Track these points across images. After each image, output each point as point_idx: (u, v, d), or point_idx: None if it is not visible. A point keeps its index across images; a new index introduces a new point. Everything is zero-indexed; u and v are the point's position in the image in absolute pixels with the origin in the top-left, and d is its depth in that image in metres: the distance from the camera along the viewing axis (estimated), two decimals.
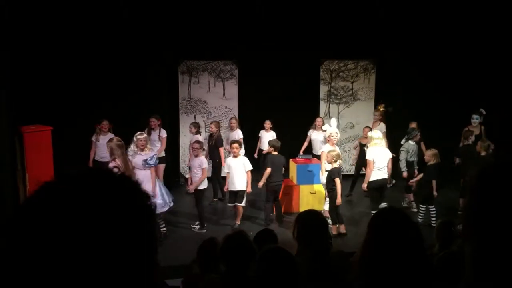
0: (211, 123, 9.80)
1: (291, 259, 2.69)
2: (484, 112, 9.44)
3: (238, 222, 8.36)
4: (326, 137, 9.00)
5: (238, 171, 8.18)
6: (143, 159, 7.48)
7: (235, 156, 8.28)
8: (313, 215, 3.78)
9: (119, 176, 0.93)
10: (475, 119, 9.39)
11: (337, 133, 8.81)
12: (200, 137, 9.44)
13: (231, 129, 10.09)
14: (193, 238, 7.57)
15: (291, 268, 2.64)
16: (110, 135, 8.67)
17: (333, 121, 9.41)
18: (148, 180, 7.33)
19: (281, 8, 10.18)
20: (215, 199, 9.80)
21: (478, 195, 1.11)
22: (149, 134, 9.24)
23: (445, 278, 3.29)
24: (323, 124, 10.03)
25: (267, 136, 9.93)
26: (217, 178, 9.61)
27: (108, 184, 0.90)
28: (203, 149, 8.77)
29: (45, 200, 0.86)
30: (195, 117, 10.96)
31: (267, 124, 10.24)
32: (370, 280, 1.92)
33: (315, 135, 10.13)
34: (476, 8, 9.82)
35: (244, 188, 8.21)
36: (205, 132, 10.71)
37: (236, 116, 11.02)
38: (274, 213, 8.68)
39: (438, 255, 3.92)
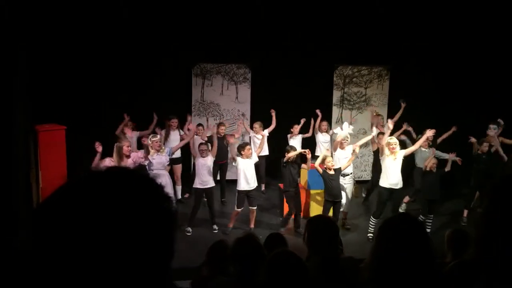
0: (220, 125, 9.75)
1: (301, 263, 2.68)
2: (502, 123, 9.11)
3: (252, 226, 8.43)
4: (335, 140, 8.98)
5: (251, 171, 8.27)
6: (167, 158, 8.02)
7: (247, 157, 8.28)
8: (323, 221, 3.76)
9: (143, 178, 0.93)
10: (492, 129, 9.02)
11: (347, 136, 8.73)
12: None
13: (256, 132, 10.05)
14: (203, 240, 7.59)
15: (301, 272, 2.63)
16: (135, 133, 9.19)
17: (345, 125, 9.32)
18: (167, 179, 7.82)
19: (296, 12, 10.17)
20: (224, 199, 9.85)
21: (499, 202, 1.08)
22: (167, 134, 9.37)
23: (456, 287, 3.25)
24: (328, 128, 10.17)
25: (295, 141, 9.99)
26: (222, 179, 9.66)
27: (131, 185, 0.89)
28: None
29: (67, 198, 0.86)
30: (207, 120, 11.00)
31: (295, 128, 10.17)
32: (379, 286, 1.90)
33: (321, 138, 10.21)
34: (491, 15, 9.73)
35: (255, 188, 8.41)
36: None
37: (249, 119, 11.05)
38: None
39: (450, 264, 3.87)
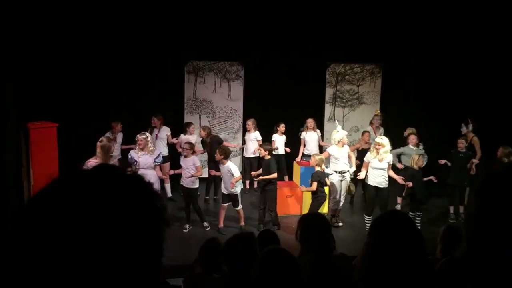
0: (201, 128, 9.81)
1: (293, 260, 2.68)
2: (469, 122, 9.29)
3: (242, 223, 8.41)
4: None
5: (226, 177, 8.18)
6: (154, 160, 7.88)
7: (222, 164, 8.21)
8: (316, 218, 3.78)
9: (132, 176, 0.92)
10: (462, 127, 9.32)
11: (334, 138, 8.62)
12: (192, 138, 9.46)
13: (248, 131, 10.10)
14: (196, 238, 7.59)
15: (293, 269, 2.63)
16: (120, 134, 9.19)
17: (337, 125, 9.28)
18: (155, 179, 7.67)
19: (289, 10, 10.17)
20: (207, 197, 9.86)
21: (493, 200, 1.08)
22: (151, 133, 9.35)
23: (447, 284, 3.28)
24: (315, 125, 10.11)
25: (280, 140, 9.93)
26: (213, 178, 9.61)
27: (120, 183, 0.89)
28: (194, 151, 8.52)
29: (55, 196, 0.85)
30: (200, 117, 10.98)
31: (282, 127, 10.16)
32: (370, 284, 1.91)
33: (308, 137, 10.13)
34: (484, 14, 9.77)
35: (236, 192, 8.23)
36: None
37: (242, 116, 11.05)
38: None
39: (440, 260, 3.90)
